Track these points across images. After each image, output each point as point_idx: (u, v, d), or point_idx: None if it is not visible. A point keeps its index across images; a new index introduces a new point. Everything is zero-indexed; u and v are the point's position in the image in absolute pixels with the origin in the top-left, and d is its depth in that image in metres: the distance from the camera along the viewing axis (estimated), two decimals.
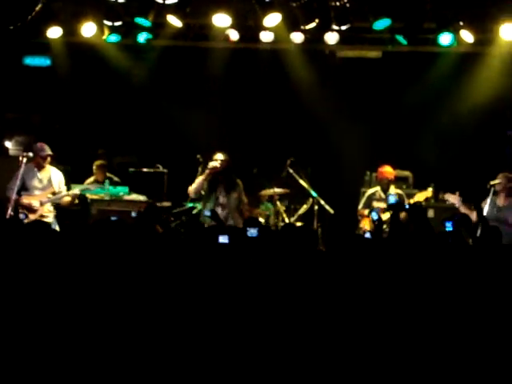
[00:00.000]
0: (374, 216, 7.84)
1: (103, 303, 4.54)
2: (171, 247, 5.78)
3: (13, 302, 4.45)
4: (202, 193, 10.67)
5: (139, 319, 4.43)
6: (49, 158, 10.87)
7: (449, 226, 6.75)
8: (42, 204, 10.71)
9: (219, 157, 10.57)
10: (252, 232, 6.31)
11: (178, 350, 4.25)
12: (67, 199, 10.86)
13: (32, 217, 10.42)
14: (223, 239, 6.04)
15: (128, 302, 4.57)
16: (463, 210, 9.89)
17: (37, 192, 10.81)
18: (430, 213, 11.99)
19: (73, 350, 4.18)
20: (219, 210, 10.25)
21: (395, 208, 7.23)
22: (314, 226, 11.93)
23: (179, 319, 4.42)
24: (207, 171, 10.53)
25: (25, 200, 10.63)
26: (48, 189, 10.84)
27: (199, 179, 10.62)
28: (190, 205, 11.85)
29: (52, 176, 10.92)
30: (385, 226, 10.73)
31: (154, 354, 4.21)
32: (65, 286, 4.68)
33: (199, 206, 11.41)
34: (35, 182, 10.85)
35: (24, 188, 10.69)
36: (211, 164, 10.51)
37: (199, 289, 4.74)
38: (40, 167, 10.87)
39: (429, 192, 11.37)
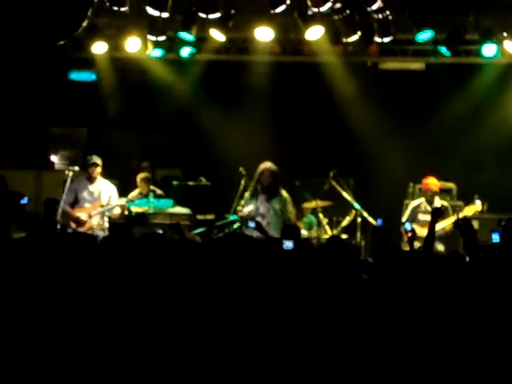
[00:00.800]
0: (408, 227, 7.76)
1: (135, 319, 4.56)
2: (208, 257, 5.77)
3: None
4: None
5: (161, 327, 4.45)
6: (96, 168, 10.98)
7: (495, 238, 6.65)
8: (90, 217, 10.82)
9: (267, 166, 10.30)
10: (287, 245, 6.09)
11: (190, 354, 4.26)
12: (117, 211, 10.97)
13: (81, 229, 10.51)
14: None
15: (160, 318, 4.59)
16: None
17: (87, 204, 10.93)
18: (475, 224, 11.89)
19: (78, 350, 4.22)
20: (259, 220, 10.05)
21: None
22: (357, 238, 11.89)
23: (203, 332, 4.42)
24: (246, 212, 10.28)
25: (74, 213, 10.75)
26: (97, 201, 10.95)
27: (247, 209, 10.31)
28: (233, 217, 11.88)
29: (102, 189, 11.04)
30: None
31: (161, 355, 4.24)
32: (106, 298, 4.72)
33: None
34: (85, 195, 10.98)
35: (76, 201, 10.82)
36: (245, 211, 10.27)
37: (230, 300, 4.73)
38: (91, 179, 10.99)
39: (478, 206, 11.24)
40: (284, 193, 10.42)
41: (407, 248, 9.39)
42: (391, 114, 13.38)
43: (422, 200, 11.58)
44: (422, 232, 10.26)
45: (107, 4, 10.59)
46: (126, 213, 11.11)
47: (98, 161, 11.07)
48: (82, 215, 10.86)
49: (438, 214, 7.49)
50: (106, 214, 11.07)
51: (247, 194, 10.39)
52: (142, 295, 4.80)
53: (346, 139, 13.71)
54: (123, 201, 11.19)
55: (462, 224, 7.21)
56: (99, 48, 12.57)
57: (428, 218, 11.08)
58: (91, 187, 11.04)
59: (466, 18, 11.54)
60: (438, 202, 11.43)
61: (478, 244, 6.72)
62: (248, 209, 10.25)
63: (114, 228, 10.33)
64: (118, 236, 6.54)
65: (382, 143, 13.36)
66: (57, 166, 14.26)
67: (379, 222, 7.17)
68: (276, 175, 10.30)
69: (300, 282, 5.20)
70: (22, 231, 7.74)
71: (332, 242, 7.50)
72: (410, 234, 7.78)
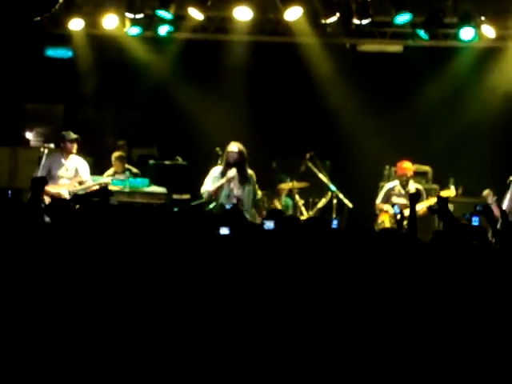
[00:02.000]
0: (397, 210, 7.83)
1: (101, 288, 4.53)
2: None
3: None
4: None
5: (132, 310, 4.43)
6: (75, 144, 10.88)
7: (475, 221, 6.71)
8: (70, 193, 10.75)
9: (233, 147, 10.27)
10: (268, 225, 6.17)
11: (180, 347, 4.25)
12: (95, 188, 10.89)
13: None
14: (224, 231, 5.92)
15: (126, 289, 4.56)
16: (495, 208, 9.93)
17: (64, 181, 10.83)
18: (450, 207, 11.96)
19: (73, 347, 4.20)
20: (234, 202, 10.05)
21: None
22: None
23: (178, 315, 4.41)
24: (225, 178, 10.22)
25: (53, 190, 10.65)
26: (75, 178, 10.87)
27: (215, 185, 10.31)
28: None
29: (78, 165, 10.96)
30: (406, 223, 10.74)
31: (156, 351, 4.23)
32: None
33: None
34: (62, 171, 10.87)
35: (50, 177, 10.71)
36: (230, 174, 10.22)
37: (203, 283, 4.72)
38: (67, 155, 10.89)
39: (452, 192, 11.32)
40: (251, 171, 10.40)
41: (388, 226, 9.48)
42: (369, 97, 13.38)
43: (397, 183, 11.62)
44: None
45: None
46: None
47: (76, 135, 10.97)
48: (63, 191, 10.76)
49: (415, 199, 7.56)
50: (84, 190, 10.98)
51: (219, 176, 10.34)
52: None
53: (323, 121, 13.70)
54: (108, 179, 11.13)
55: (439, 205, 7.29)
56: (76, 24, 12.47)
57: (402, 200, 11.19)
58: (66, 163, 10.94)
59: (444, 1, 11.55)
60: (413, 186, 11.49)
61: (458, 223, 6.79)
62: (231, 173, 10.20)
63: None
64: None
65: (360, 125, 13.38)
66: (32, 143, 14.14)
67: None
68: (243, 155, 10.24)
69: (281, 262, 5.23)
70: None
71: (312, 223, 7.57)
72: (398, 217, 7.86)
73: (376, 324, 4.32)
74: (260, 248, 5.59)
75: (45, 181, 7.85)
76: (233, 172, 10.20)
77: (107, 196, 9.38)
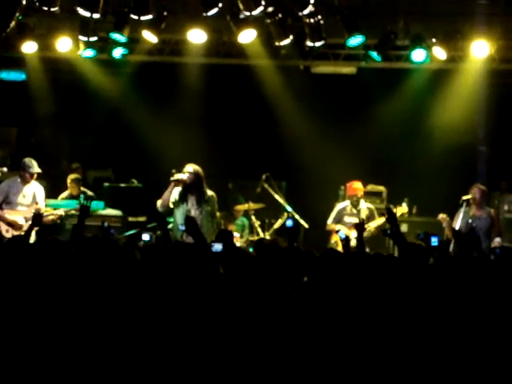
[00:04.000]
0: (341, 235, 7.92)
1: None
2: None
3: None
4: (171, 206, 10.25)
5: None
6: (35, 176, 10.80)
7: (434, 241, 6.74)
8: (26, 220, 10.63)
9: (188, 169, 10.15)
10: (217, 247, 6.21)
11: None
12: (51, 218, 10.79)
13: (16, 233, 10.29)
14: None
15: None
16: (447, 230, 10.15)
17: (21, 208, 10.70)
18: (404, 227, 12.10)
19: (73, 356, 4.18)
20: None
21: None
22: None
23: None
24: (172, 183, 10.11)
25: (10, 217, 10.53)
26: (32, 205, 10.75)
27: (165, 193, 10.18)
28: (174, 220, 11.81)
29: (37, 192, 10.85)
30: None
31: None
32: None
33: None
34: (20, 198, 10.75)
35: (7, 203, 10.58)
36: (177, 175, 10.10)
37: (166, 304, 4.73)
38: (26, 183, 10.79)
39: (404, 208, 11.50)
40: (211, 192, 10.33)
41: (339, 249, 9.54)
42: (323, 118, 13.49)
43: (348, 203, 11.72)
44: (349, 233, 10.44)
45: (36, 4, 10.42)
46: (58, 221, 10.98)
47: (39, 170, 10.85)
48: (19, 219, 10.63)
49: (360, 227, 7.67)
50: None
51: (177, 197, 10.28)
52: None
53: (278, 142, 13.78)
54: (61, 211, 11.00)
55: (388, 216, 7.37)
56: (29, 47, 12.37)
57: (353, 219, 11.30)
58: (25, 190, 10.83)
59: (396, 23, 11.68)
60: (364, 205, 11.62)
61: (405, 241, 6.85)
62: (184, 176, 10.16)
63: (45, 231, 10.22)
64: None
65: (315, 146, 13.49)
66: None
67: (289, 222, 7.26)
68: (197, 176, 10.17)
69: (230, 284, 5.23)
70: None
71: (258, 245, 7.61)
72: (344, 242, 7.91)
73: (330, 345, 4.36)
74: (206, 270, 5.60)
75: None
76: (182, 175, 10.13)
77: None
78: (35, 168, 10.75)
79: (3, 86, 13.70)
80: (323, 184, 13.18)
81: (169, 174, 10.94)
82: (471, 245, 7.24)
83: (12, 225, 10.52)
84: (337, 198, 12.75)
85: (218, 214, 10.72)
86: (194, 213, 10.15)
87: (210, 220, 10.31)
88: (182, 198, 10.24)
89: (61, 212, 10.89)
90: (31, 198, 10.81)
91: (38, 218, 7.98)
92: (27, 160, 10.87)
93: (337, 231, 10.73)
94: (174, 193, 10.25)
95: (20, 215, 10.65)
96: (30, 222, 10.47)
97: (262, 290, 4.96)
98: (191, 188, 10.19)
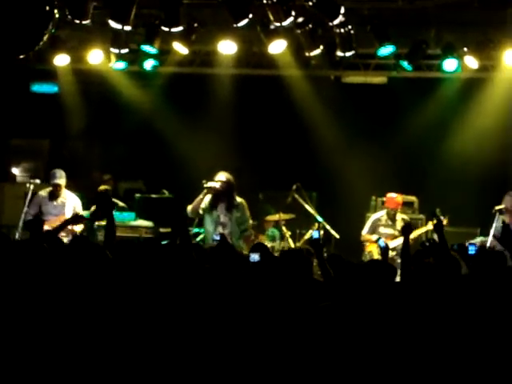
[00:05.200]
0: (381, 243, 7.82)
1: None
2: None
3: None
4: (200, 212, 10.40)
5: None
6: (59, 189, 10.82)
7: (472, 250, 6.68)
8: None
9: (220, 177, 10.34)
10: (254, 257, 6.24)
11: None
12: (80, 228, 10.84)
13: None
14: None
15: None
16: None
17: (51, 217, 10.78)
18: (436, 237, 11.99)
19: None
20: (220, 229, 10.11)
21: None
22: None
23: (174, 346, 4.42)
24: (204, 190, 10.29)
25: (47, 227, 10.58)
26: (62, 214, 10.82)
27: (196, 199, 10.37)
28: (196, 230, 11.85)
29: (67, 202, 10.91)
30: (394, 253, 10.78)
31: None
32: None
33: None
34: (49, 207, 10.83)
35: (41, 213, 10.66)
36: (209, 183, 10.29)
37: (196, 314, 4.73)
38: (53, 195, 10.85)
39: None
40: (240, 199, 10.46)
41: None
42: (354, 128, 13.47)
43: (383, 213, 11.68)
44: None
45: (68, 17, 10.51)
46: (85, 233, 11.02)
47: (62, 181, 10.88)
48: (45, 227, 10.71)
49: (408, 230, 7.54)
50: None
51: (207, 204, 10.37)
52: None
53: (309, 152, 13.77)
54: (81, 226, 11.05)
55: (436, 229, 7.28)
56: (61, 60, 12.47)
57: (389, 231, 11.27)
58: (56, 200, 10.90)
59: (427, 32, 11.63)
60: (399, 217, 11.56)
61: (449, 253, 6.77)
62: (216, 184, 10.22)
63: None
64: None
65: (345, 156, 13.45)
66: (18, 178, 14.11)
67: (315, 234, 7.22)
68: (229, 184, 10.33)
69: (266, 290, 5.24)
70: None
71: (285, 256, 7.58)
72: (383, 251, 7.84)
73: (366, 357, 4.33)
74: (245, 280, 5.61)
75: (41, 221, 7.70)
76: (214, 183, 10.25)
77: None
78: (55, 179, 10.78)
79: (36, 99, 13.82)
80: (354, 194, 13.15)
81: (199, 185, 11.00)
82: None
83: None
84: (368, 209, 12.70)
85: (250, 221, 10.75)
86: (223, 219, 10.31)
87: (238, 226, 10.36)
88: (212, 205, 10.39)
89: (80, 228, 10.93)
90: (61, 207, 10.86)
91: (77, 217, 7.95)
92: (51, 171, 10.96)
93: (376, 240, 10.65)
94: (205, 200, 10.34)
95: (48, 225, 10.71)
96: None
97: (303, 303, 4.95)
98: (222, 195, 10.35)
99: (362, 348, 4.42)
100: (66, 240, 10.23)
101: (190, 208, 10.40)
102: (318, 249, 7.10)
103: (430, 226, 10.88)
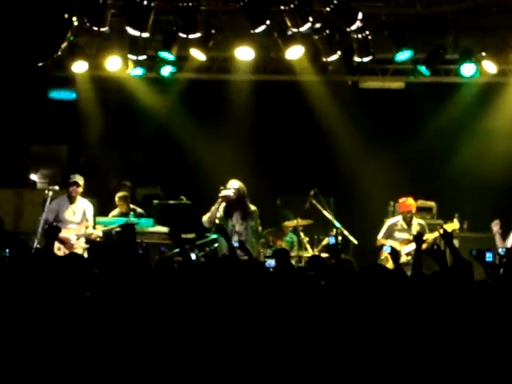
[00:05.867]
0: (387, 249, 7.80)
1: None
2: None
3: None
4: (217, 221, 10.32)
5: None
6: (77, 188, 10.89)
7: (489, 257, 6.65)
8: (78, 238, 10.73)
9: (232, 184, 10.28)
10: (270, 262, 6.23)
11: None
12: (99, 233, 10.90)
13: (67, 251, 10.35)
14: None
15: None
16: (498, 239, 10.06)
17: (71, 225, 10.80)
18: (456, 243, 11.95)
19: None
20: (236, 238, 9.95)
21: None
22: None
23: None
24: (219, 199, 10.23)
25: (61, 234, 10.62)
26: (83, 222, 10.85)
27: (212, 208, 10.31)
28: (214, 236, 11.85)
29: (86, 209, 10.96)
30: (409, 258, 10.73)
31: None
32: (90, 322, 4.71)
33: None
34: (69, 215, 10.87)
35: (58, 221, 10.66)
36: (223, 192, 10.23)
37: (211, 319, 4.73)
38: (71, 199, 10.91)
39: (455, 224, 11.36)
40: (253, 207, 10.37)
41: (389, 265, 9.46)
42: (371, 133, 13.46)
43: (399, 218, 11.65)
44: (400, 248, 10.40)
45: (87, 24, 10.57)
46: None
47: (80, 180, 10.97)
48: (71, 236, 10.74)
49: (420, 239, 7.50)
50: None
51: (222, 213, 10.33)
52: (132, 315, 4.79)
53: (326, 158, 13.76)
54: (99, 231, 11.08)
55: (444, 239, 7.25)
56: (79, 67, 12.52)
57: (404, 235, 11.25)
58: (73, 207, 10.95)
59: (445, 37, 11.61)
60: (415, 221, 11.53)
61: (461, 258, 6.74)
62: (230, 192, 10.20)
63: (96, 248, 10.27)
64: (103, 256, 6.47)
65: (362, 161, 13.44)
66: (37, 185, 14.18)
67: (331, 239, 7.22)
68: (241, 192, 10.26)
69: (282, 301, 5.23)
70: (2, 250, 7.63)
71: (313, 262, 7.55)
72: (391, 256, 7.79)
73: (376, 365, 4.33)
74: (261, 285, 5.60)
75: (58, 230, 7.73)
76: (228, 192, 10.21)
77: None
78: (76, 178, 10.86)
79: (54, 106, 13.87)
80: (372, 199, 13.12)
81: (217, 191, 11.00)
82: None
83: (64, 242, 10.61)
84: (386, 214, 12.67)
85: (260, 228, 10.70)
86: (238, 228, 10.25)
87: (255, 235, 10.34)
88: (227, 214, 10.33)
89: (99, 233, 10.96)
90: (81, 215, 10.92)
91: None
92: (71, 175, 11.03)
93: (381, 246, 10.64)
94: (219, 209, 10.31)
95: (71, 233, 10.74)
96: (81, 239, 10.70)
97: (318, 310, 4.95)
98: (235, 204, 10.28)
99: (364, 350, 4.42)
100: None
101: (205, 218, 10.34)
102: (336, 254, 7.09)
103: (436, 232, 10.86)
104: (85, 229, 10.87)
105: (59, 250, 10.49)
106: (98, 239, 10.88)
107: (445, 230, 7.42)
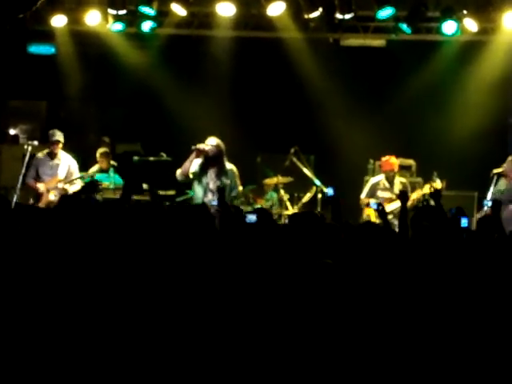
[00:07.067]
0: (373, 205, 7.79)
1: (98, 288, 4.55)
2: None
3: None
4: (191, 176, 10.24)
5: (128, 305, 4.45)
6: (57, 144, 10.91)
7: (464, 223, 6.63)
8: (48, 191, 10.73)
9: (211, 141, 10.13)
10: (250, 218, 6.20)
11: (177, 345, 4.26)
12: (77, 188, 10.90)
13: (40, 204, 10.42)
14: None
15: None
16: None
17: (46, 178, 10.86)
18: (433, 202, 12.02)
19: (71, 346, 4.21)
20: (209, 196, 9.98)
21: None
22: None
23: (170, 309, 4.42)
24: (193, 152, 10.08)
25: (34, 186, 10.69)
26: (55, 176, 10.87)
27: (185, 162, 10.19)
28: (193, 193, 11.83)
29: (61, 162, 10.97)
30: (391, 217, 10.78)
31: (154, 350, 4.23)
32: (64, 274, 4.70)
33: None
34: (46, 169, 10.92)
35: (38, 176, 10.73)
36: (199, 145, 10.08)
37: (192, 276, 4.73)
38: (51, 154, 10.93)
39: (438, 184, 11.39)
40: (231, 166, 10.28)
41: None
42: (352, 91, 13.43)
43: (382, 177, 11.69)
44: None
45: None
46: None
47: (61, 138, 10.98)
48: (41, 187, 10.80)
49: (404, 196, 7.52)
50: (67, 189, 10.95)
51: (197, 169, 10.25)
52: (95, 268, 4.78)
53: (307, 115, 13.74)
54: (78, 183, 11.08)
55: (433, 198, 7.30)
56: (59, 21, 12.42)
57: (387, 194, 11.29)
58: (51, 162, 10.97)
59: None
60: (398, 180, 11.58)
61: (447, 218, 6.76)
62: (206, 147, 10.11)
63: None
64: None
65: (343, 120, 13.41)
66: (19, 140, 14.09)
67: (330, 191, 7.12)
68: (219, 149, 10.15)
69: (263, 258, 5.23)
70: None
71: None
72: (378, 213, 7.82)
73: (363, 319, 4.35)
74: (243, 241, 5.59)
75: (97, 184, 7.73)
76: (204, 146, 10.08)
77: (94, 191, 9.35)
78: (55, 136, 10.88)
79: (33, 60, 13.72)
80: (352, 157, 13.13)
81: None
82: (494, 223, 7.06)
83: (35, 193, 10.70)
84: (366, 172, 12.71)
85: (240, 188, 10.62)
86: (212, 186, 10.10)
87: (229, 193, 10.23)
88: (202, 171, 10.21)
89: (77, 187, 10.97)
90: (65, 171, 10.94)
91: (94, 184, 7.99)
92: (50, 131, 11.04)
93: (367, 204, 10.69)
94: (194, 164, 10.21)
95: (43, 185, 10.79)
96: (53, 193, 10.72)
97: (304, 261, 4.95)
98: (212, 161, 10.16)
99: (360, 309, 4.44)
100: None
101: (179, 171, 10.24)
102: (336, 205, 6.97)
103: (426, 189, 10.90)
104: (57, 182, 10.87)
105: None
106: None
107: (435, 189, 7.50)
